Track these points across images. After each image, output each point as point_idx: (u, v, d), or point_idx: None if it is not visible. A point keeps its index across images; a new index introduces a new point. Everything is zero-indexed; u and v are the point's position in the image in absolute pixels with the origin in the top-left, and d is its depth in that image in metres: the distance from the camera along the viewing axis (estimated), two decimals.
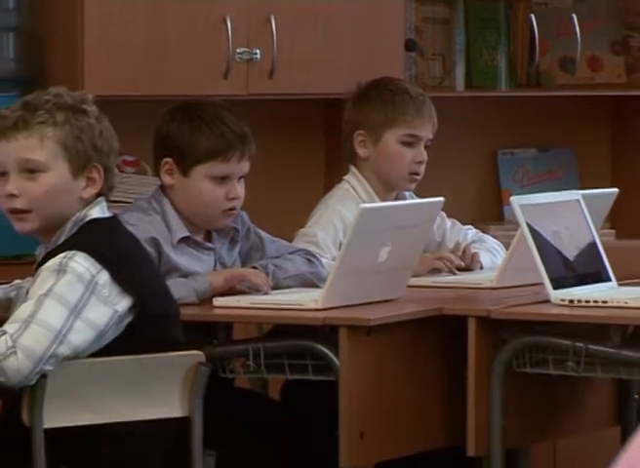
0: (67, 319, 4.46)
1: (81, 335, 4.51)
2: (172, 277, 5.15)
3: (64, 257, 4.51)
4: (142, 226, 5.15)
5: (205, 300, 5.31)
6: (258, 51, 6.06)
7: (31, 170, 4.61)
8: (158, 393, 4.66)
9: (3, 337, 4.35)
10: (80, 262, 4.51)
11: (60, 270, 4.50)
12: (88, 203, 4.67)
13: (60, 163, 4.61)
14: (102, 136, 4.69)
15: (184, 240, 5.41)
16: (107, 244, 4.67)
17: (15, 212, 4.66)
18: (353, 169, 6.02)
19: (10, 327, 4.44)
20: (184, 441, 4.68)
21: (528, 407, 5.34)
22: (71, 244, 4.60)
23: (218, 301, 5.32)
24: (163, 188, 5.44)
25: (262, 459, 5.36)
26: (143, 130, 5.47)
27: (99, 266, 4.53)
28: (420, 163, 5.99)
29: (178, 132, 5.41)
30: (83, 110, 4.69)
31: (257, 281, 5.36)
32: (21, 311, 4.49)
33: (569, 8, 7.21)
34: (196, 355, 4.73)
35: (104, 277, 4.53)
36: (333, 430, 4.95)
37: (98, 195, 4.70)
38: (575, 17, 7.08)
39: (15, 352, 4.37)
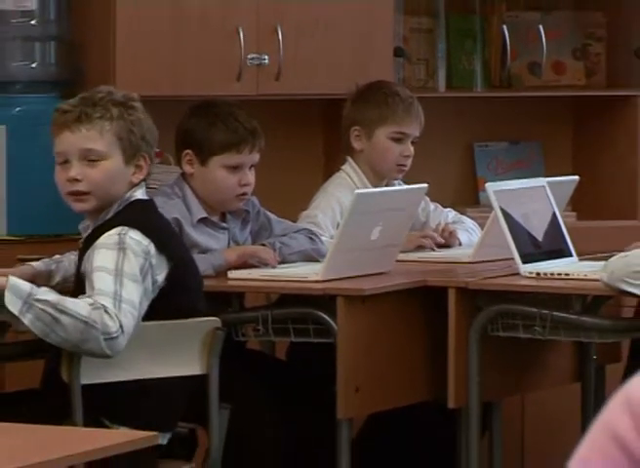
0: (141, 293, 4.53)
1: (145, 304, 4.58)
2: (192, 253, 5.15)
3: (120, 234, 4.53)
4: (166, 208, 5.14)
5: (221, 273, 5.31)
6: (266, 56, 6.05)
7: (92, 158, 4.64)
8: (180, 354, 4.66)
9: (106, 315, 4.34)
10: (134, 237, 4.54)
11: (120, 247, 4.51)
12: (133, 186, 4.70)
13: (115, 152, 4.65)
14: (149, 129, 4.76)
15: (202, 220, 5.42)
16: (150, 220, 4.71)
17: (76, 194, 4.68)
18: (349, 159, 6.04)
19: (104, 300, 4.41)
20: (203, 395, 4.68)
21: (500, 365, 5.40)
22: (120, 220, 4.62)
23: (232, 274, 5.34)
24: (184, 176, 5.45)
25: (270, 410, 5.37)
26: (166, 125, 5.45)
27: (147, 239, 4.55)
28: (407, 157, 6.02)
29: (197, 127, 5.42)
30: (132, 106, 4.74)
31: (265, 256, 5.39)
32: (103, 283, 4.47)
33: (536, 20, 7.28)
34: (213, 321, 4.73)
35: (152, 248, 4.56)
36: (331, 386, 4.96)
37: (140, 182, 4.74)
38: (541, 27, 7.15)
39: (122, 333, 4.36)
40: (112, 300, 4.41)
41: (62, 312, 4.36)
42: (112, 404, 4.53)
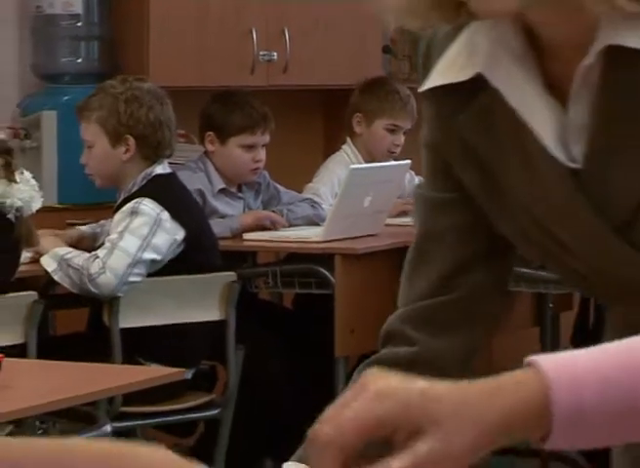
0: (140, 246, 4.50)
1: (150, 255, 4.57)
2: (213, 218, 5.17)
3: (136, 203, 4.58)
4: (191, 181, 5.17)
5: (237, 235, 5.32)
6: (275, 53, 6.04)
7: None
8: (203, 303, 4.67)
9: (96, 261, 4.42)
10: (147, 204, 4.57)
11: (133, 212, 4.55)
12: (151, 163, 4.73)
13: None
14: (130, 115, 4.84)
15: (222, 191, 5.43)
16: (166, 192, 4.71)
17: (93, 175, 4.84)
18: (349, 140, 6.08)
19: (100, 252, 4.54)
20: (222, 338, 4.69)
21: None
22: (140, 192, 4.64)
23: (246, 236, 5.36)
24: (206, 153, 5.45)
25: (277, 350, 5.38)
26: (191, 111, 5.46)
27: (161, 207, 4.56)
28: (398, 145, 6.11)
29: (217, 113, 5.42)
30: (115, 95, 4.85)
31: (277, 221, 5.41)
32: (108, 241, 4.55)
33: None
34: (230, 275, 4.76)
35: (166, 215, 4.55)
36: (330, 329, 4.98)
37: (145, 158, 4.77)
38: None
39: (104, 271, 4.41)
40: (107, 250, 4.57)
41: (69, 266, 4.55)
42: (146, 344, 4.54)
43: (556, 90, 1.65)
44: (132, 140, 4.71)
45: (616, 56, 1.59)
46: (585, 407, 1.13)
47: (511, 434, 1.14)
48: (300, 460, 1.66)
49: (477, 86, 1.66)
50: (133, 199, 4.64)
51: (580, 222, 1.66)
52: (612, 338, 1.78)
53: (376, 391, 1.11)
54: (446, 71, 1.69)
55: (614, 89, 1.62)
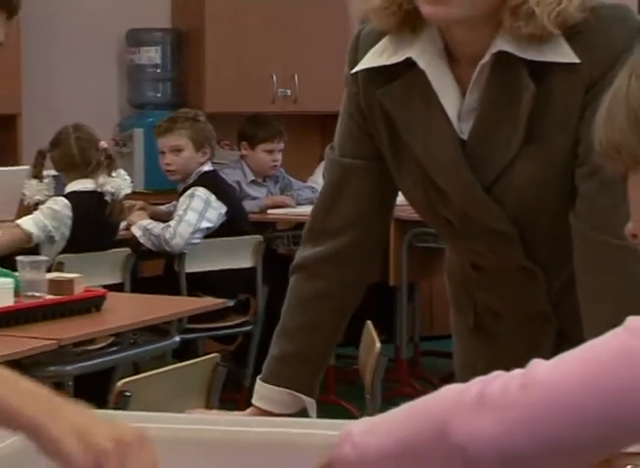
0: (198, 218, 4.50)
1: (205, 224, 4.58)
2: (246, 199, 5.17)
3: (193, 189, 4.60)
4: (231, 175, 5.20)
5: (263, 211, 5.29)
6: (289, 90, 6.00)
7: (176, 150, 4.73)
8: (240, 256, 4.68)
9: (169, 229, 4.49)
10: (201, 191, 4.59)
11: (191, 195, 4.56)
12: (202, 163, 4.69)
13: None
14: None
15: (252, 182, 5.41)
16: (212, 182, 4.71)
17: (168, 171, 4.76)
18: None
19: (172, 223, 4.55)
20: (253, 279, 4.70)
21: (419, 258, 5.01)
22: (194, 184, 4.66)
23: (269, 211, 5.31)
24: (242, 156, 5.42)
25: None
26: (232, 128, 5.46)
27: (209, 192, 4.59)
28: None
29: (249, 129, 5.41)
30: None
31: (289, 202, 5.38)
32: (176, 216, 4.59)
33: None
34: (258, 237, 4.76)
35: (213, 197, 4.57)
36: None
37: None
38: None
39: (175, 237, 4.43)
40: (176, 222, 4.57)
41: (151, 233, 4.56)
42: (203, 283, 4.54)
43: (460, 80, 1.60)
44: (209, 149, 4.73)
45: (501, 60, 1.55)
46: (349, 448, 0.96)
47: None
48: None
49: (401, 69, 1.61)
50: (189, 188, 4.66)
51: (459, 178, 1.61)
52: (453, 270, 1.80)
53: None
54: (377, 58, 1.62)
55: (496, 84, 1.58)
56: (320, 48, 5.94)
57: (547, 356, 1.65)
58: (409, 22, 1.57)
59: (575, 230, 1.56)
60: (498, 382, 0.87)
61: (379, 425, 0.92)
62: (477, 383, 0.88)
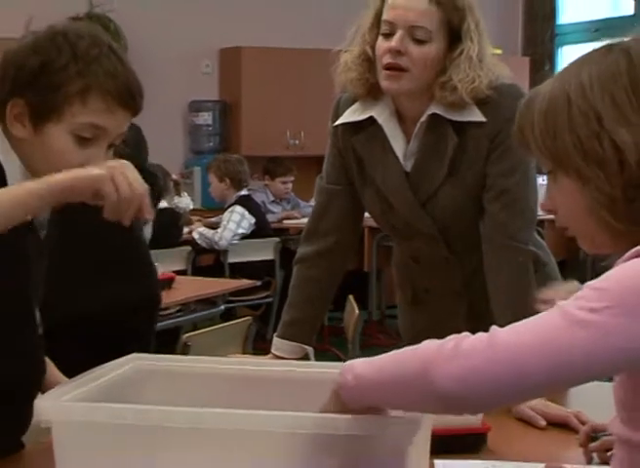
0: (237, 226, 4.54)
1: (241, 231, 4.57)
2: (268, 214, 5.14)
3: (233, 207, 4.61)
4: (259, 196, 5.15)
5: (280, 222, 5.19)
6: (297, 141, 5.96)
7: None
8: (264, 251, 4.63)
9: (216, 234, 4.56)
10: (238, 208, 4.62)
11: (232, 211, 4.61)
12: (225, 189, 4.69)
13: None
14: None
15: (272, 202, 5.35)
16: (246, 202, 4.69)
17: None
18: None
19: (219, 230, 4.52)
20: (273, 267, 4.67)
21: (384, 253, 4.71)
22: (234, 203, 4.64)
23: (284, 222, 5.22)
24: (266, 185, 5.37)
25: None
26: (259, 165, 5.42)
27: (244, 209, 4.60)
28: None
29: (270, 166, 5.36)
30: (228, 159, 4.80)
31: (297, 215, 5.27)
32: (222, 225, 4.57)
33: None
34: (276, 239, 4.72)
35: (246, 212, 4.61)
36: None
37: (237, 189, 4.68)
38: None
39: (221, 239, 4.53)
40: (222, 229, 4.52)
41: (205, 237, 4.54)
42: (240, 269, 4.49)
43: (405, 132, 1.61)
44: (228, 180, 4.67)
45: (434, 119, 1.57)
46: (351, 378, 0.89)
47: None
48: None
49: (367, 124, 1.61)
50: (231, 206, 4.62)
51: (403, 197, 1.61)
52: (398, 261, 1.77)
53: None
54: (351, 116, 1.63)
55: (430, 136, 1.59)
56: (318, 113, 5.89)
57: (460, 320, 1.67)
58: (372, 92, 1.59)
59: (484, 238, 1.58)
60: (468, 340, 0.81)
61: (375, 362, 0.88)
62: (452, 340, 0.82)
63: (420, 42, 1.48)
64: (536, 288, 1.36)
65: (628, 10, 5.59)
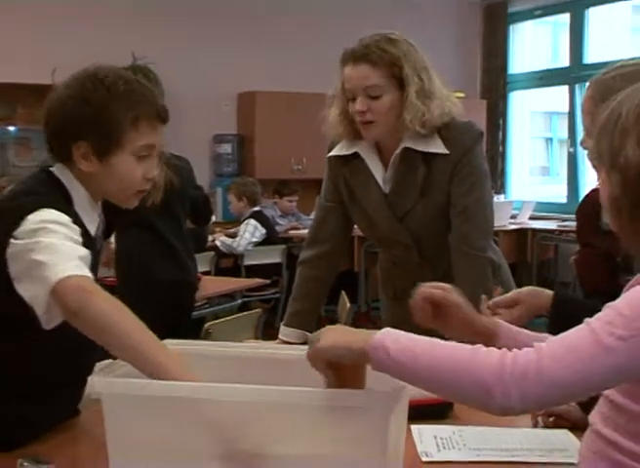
0: (251, 236, 4.51)
1: (254, 239, 4.52)
2: (277, 226, 5.09)
3: (248, 220, 4.57)
4: (269, 212, 5.09)
5: (286, 232, 5.11)
6: (300, 166, 5.87)
7: None
8: (273, 254, 4.56)
9: (235, 241, 4.51)
10: (252, 221, 4.58)
11: (247, 224, 4.58)
12: (243, 207, 4.63)
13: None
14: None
15: (280, 216, 5.28)
16: (259, 216, 4.66)
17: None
18: None
19: (237, 238, 4.47)
20: (280, 268, 4.63)
21: (371, 257, 4.79)
22: (249, 217, 4.60)
23: (290, 233, 5.10)
24: (275, 202, 5.31)
25: None
26: (270, 187, 5.39)
27: (257, 221, 4.57)
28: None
29: (279, 187, 5.33)
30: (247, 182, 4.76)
31: (300, 227, 5.17)
32: (239, 235, 4.51)
33: None
34: (283, 246, 4.65)
35: (259, 224, 4.57)
36: None
37: (252, 205, 4.64)
38: None
39: (239, 245, 4.50)
40: (239, 238, 4.48)
41: (225, 244, 4.48)
42: (253, 270, 4.43)
43: (384, 162, 1.63)
44: (245, 198, 4.62)
45: (406, 151, 1.59)
46: (385, 357, 0.85)
47: (350, 350, 0.87)
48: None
49: (353, 157, 1.63)
50: (246, 220, 4.59)
51: (383, 214, 1.64)
52: (382, 272, 1.77)
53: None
54: (340, 151, 1.65)
55: (403, 165, 1.61)
56: (317, 144, 5.88)
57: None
58: (356, 133, 1.62)
59: (451, 247, 1.61)
60: (520, 365, 0.78)
61: (406, 347, 0.82)
62: (507, 360, 0.78)
63: (375, 98, 1.52)
64: (493, 289, 1.38)
65: (565, 62, 5.71)
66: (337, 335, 0.90)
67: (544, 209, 5.47)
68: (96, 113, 1.11)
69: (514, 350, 0.80)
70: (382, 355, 0.84)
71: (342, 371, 0.90)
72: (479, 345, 0.82)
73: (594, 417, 0.90)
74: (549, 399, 0.79)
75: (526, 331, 1.03)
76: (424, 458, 1.14)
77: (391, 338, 0.85)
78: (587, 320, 0.81)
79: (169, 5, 5.57)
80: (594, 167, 0.91)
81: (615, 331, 0.78)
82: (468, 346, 0.82)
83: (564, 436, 1.19)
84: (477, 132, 1.60)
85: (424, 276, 1.66)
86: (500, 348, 0.81)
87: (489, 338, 1.01)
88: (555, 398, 0.79)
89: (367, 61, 1.49)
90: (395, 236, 1.64)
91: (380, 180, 1.62)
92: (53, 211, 1.04)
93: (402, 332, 0.86)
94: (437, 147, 1.56)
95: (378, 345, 0.85)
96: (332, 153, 1.67)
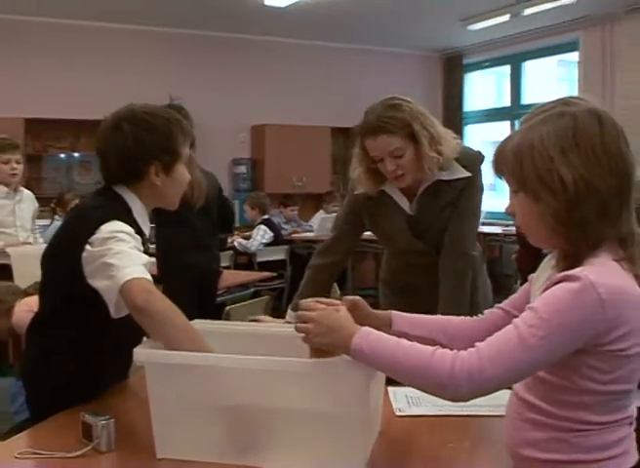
0: (262, 238, 4.40)
1: (264, 240, 4.42)
2: (282, 230, 4.96)
3: (259, 226, 4.44)
4: (276, 219, 4.96)
5: (289, 235, 4.99)
6: (301, 183, 5.79)
7: None
8: (278, 253, 4.51)
9: (249, 242, 4.34)
10: (262, 226, 4.43)
11: (258, 228, 4.42)
12: (256, 215, 4.56)
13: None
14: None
15: (284, 222, 5.17)
16: (268, 222, 4.54)
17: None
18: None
19: (251, 239, 4.36)
20: (284, 264, 4.58)
21: (358, 256, 4.91)
22: (260, 223, 4.48)
23: (292, 236, 4.98)
24: (280, 211, 5.23)
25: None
26: (277, 200, 5.33)
27: (266, 227, 4.43)
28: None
29: (283, 200, 5.22)
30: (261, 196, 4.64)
31: (300, 231, 5.09)
32: (251, 237, 4.36)
33: None
34: (286, 246, 4.54)
35: (267, 229, 4.42)
36: None
37: (262, 214, 4.56)
38: None
39: (252, 245, 4.41)
40: (252, 239, 4.36)
41: (241, 244, 4.34)
42: (263, 265, 4.37)
43: (406, 195, 1.59)
44: (258, 209, 4.56)
45: (428, 186, 1.58)
46: (365, 348, 0.89)
47: (336, 348, 0.91)
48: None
49: (376, 193, 1.58)
50: (257, 225, 4.52)
51: (403, 233, 1.61)
52: (392, 271, 1.74)
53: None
54: (365, 188, 1.58)
55: (426, 198, 1.60)
56: (314, 166, 5.87)
57: (436, 303, 1.59)
58: (379, 182, 1.56)
59: (444, 245, 1.60)
60: (465, 368, 0.83)
61: (387, 346, 0.87)
62: (453, 365, 0.83)
63: (399, 157, 1.50)
64: (469, 287, 1.44)
65: (507, 103, 5.87)
66: (323, 330, 0.92)
67: (492, 217, 5.54)
68: (165, 138, 1.20)
69: (461, 353, 0.85)
70: (361, 357, 0.90)
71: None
72: (436, 347, 0.86)
73: (518, 386, 0.93)
74: (490, 390, 0.84)
75: (416, 315, 1.06)
76: (398, 413, 1.17)
77: (367, 344, 0.89)
78: (515, 322, 0.84)
79: (197, 57, 5.59)
80: (512, 191, 0.91)
81: (536, 333, 0.82)
82: (428, 350, 0.86)
83: (509, 394, 1.22)
84: (480, 155, 1.62)
85: (430, 273, 1.66)
86: (395, 330, 0.90)
87: (386, 325, 1.05)
88: (495, 389, 0.84)
89: (385, 132, 1.47)
90: (414, 248, 1.61)
91: (406, 209, 1.59)
92: (119, 222, 1.10)
93: (376, 334, 0.90)
94: (460, 172, 1.54)
95: (356, 348, 0.90)
96: (358, 191, 1.61)
